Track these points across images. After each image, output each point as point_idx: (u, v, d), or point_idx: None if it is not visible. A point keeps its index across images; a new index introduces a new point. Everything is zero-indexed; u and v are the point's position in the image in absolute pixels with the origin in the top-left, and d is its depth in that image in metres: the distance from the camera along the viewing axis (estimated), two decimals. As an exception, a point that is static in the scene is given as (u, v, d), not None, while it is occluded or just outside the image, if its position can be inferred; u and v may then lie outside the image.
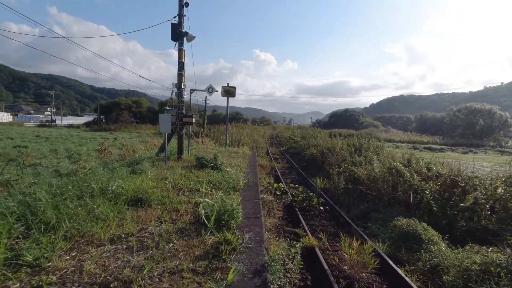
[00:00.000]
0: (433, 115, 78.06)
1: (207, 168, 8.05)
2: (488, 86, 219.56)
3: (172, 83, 9.18)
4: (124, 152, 10.96)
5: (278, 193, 9.78)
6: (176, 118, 9.22)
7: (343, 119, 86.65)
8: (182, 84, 9.07)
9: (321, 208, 8.13)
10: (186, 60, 8.77)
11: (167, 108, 9.25)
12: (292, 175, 14.12)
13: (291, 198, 8.99)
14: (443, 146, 40.38)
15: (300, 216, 7.42)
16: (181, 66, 9.04)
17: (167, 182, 6.14)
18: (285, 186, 10.58)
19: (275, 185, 10.19)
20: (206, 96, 55.48)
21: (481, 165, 24.37)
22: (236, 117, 77.03)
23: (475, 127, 48.70)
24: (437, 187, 7.09)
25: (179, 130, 9.33)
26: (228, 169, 8.32)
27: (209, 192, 5.85)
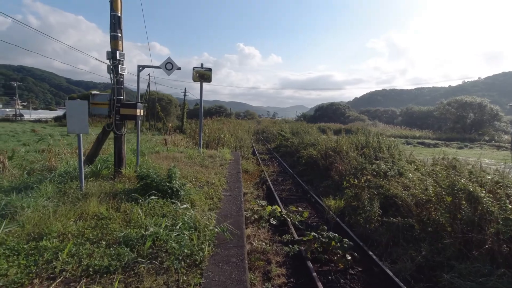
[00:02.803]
0: (419, 108, 77.16)
1: (155, 193, 4.65)
2: (466, 80, 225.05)
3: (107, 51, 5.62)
4: (43, 160, 7.32)
5: (274, 222, 6.50)
6: (110, 109, 5.69)
7: (329, 113, 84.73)
8: (117, 52, 5.53)
9: (348, 256, 4.91)
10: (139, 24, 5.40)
11: (94, 92, 5.67)
12: (288, 184, 10.86)
13: (295, 236, 5.73)
14: (436, 141, 38.41)
15: (318, 282, 4.17)
16: (115, 23, 5.48)
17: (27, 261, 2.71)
18: (282, 208, 7.29)
19: (268, 208, 6.88)
20: (185, 88, 51.36)
21: (485, 162, 22.22)
22: (219, 110, 73.20)
23: (466, 120, 47.28)
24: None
25: (116, 128, 5.79)
26: (192, 195, 4.93)
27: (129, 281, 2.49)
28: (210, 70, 10.81)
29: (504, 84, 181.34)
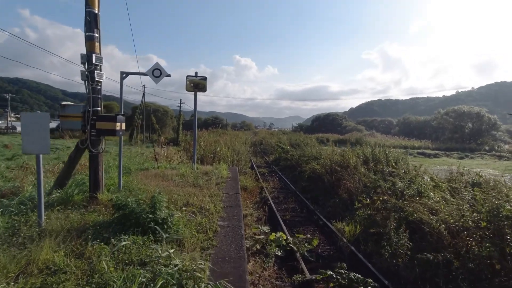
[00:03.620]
0: (416, 118, 77.02)
1: (135, 228, 3.71)
2: (460, 90, 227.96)
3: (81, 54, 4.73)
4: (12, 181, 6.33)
5: (279, 252, 5.53)
6: (84, 123, 4.76)
7: (326, 123, 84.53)
8: (94, 55, 4.65)
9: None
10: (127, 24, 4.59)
11: (65, 103, 4.75)
12: (290, 202, 9.89)
13: (306, 273, 4.76)
14: (436, 151, 37.83)
15: None
16: (91, 21, 4.62)
17: None
18: (287, 235, 6.33)
19: (272, 236, 5.93)
20: (180, 99, 50.61)
21: (489, 173, 21.48)
22: (215, 122, 72.50)
23: (464, 130, 46.88)
24: None
25: (91, 145, 4.86)
26: (181, 230, 3.96)
27: None
28: (205, 79, 9.98)
29: (498, 94, 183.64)
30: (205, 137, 22.37)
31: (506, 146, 40.46)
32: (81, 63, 4.70)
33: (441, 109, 56.02)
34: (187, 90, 9.80)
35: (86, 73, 4.67)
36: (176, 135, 42.31)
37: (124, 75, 5.66)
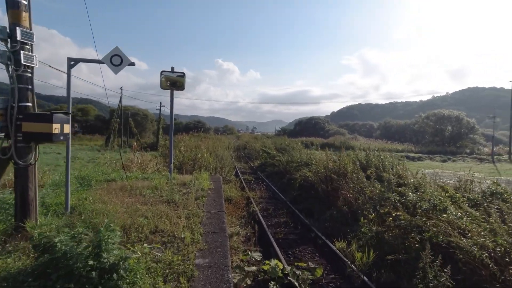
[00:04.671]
0: (397, 122, 78.35)
1: (68, 280, 2.43)
2: (435, 95, 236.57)
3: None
4: None
5: (276, 289, 4.33)
6: (6, 123, 3.40)
7: (308, 127, 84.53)
8: (19, 29, 3.32)
9: None
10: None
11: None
12: (282, 216, 8.71)
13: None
14: (420, 155, 37.97)
15: None
16: (14, -18, 3.29)
17: None
18: (284, 263, 5.14)
19: (266, 265, 4.72)
20: (160, 102, 48.61)
21: (475, 176, 21.27)
22: (197, 126, 70.69)
23: (445, 133, 47.61)
24: None
25: (17, 154, 3.49)
26: (140, 278, 2.70)
27: None
28: (183, 75, 8.70)
29: (471, 99, 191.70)
30: (186, 141, 20.89)
31: (486, 149, 41.24)
32: (1, 40, 3.33)
33: (422, 113, 56.96)
34: (163, 87, 8.48)
35: (8, 53, 3.32)
36: (156, 140, 40.39)
37: (73, 62, 4.32)
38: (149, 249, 3.30)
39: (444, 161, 33.76)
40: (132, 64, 4.58)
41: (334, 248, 5.94)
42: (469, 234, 4.57)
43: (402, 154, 38.49)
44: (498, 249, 3.97)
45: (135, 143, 14.95)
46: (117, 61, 4.41)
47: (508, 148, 38.72)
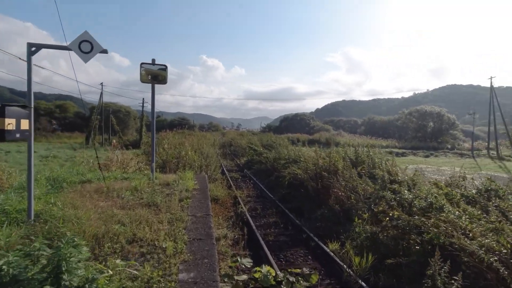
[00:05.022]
0: (381, 118, 79.63)
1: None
2: (417, 92, 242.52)
3: None
4: None
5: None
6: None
7: (294, 123, 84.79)
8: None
9: None
10: None
11: None
12: (271, 215, 8.35)
13: None
14: (403, 150, 38.62)
15: None
16: None
17: None
18: (276, 269, 4.76)
19: (257, 273, 4.34)
20: (143, 98, 47.26)
21: (456, 171, 21.69)
22: (182, 122, 69.43)
23: (427, 129, 48.64)
24: None
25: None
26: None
27: None
28: (164, 68, 8.16)
29: (450, 96, 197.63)
30: (169, 139, 20.19)
31: (466, 145, 42.40)
32: None
33: (405, 109, 57.98)
34: (143, 81, 7.91)
35: None
36: (139, 137, 39.20)
37: (34, 48, 3.74)
38: (123, 265, 2.83)
39: (427, 156, 34.43)
40: (105, 51, 4.04)
41: (328, 250, 5.61)
42: (470, 235, 4.34)
43: (386, 149, 39.11)
44: (504, 250, 3.74)
45: (115, 140, 14.20)
46: (86, 47, 3.86)
47: (486, 144, 39.92)
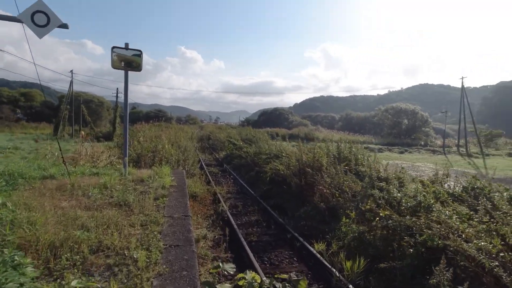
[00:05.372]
0: (357, 114, 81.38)
1: None
2: (391, 90, 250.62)
3: None
4: None
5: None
6: None
7: (273, 118, 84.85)
8: None
9: None
10: None
11: None
12: (253, 213, 7.97)
13: None
14: (380, 146, 39.56)
15: None
16: None
17: None
18: (261, 275, 4.39)
19: (242, 280, 3.92)
20: (117, 88, 45.13)
21: (429, 167, 22.40)
22: (158, 115, 67.38)
23: (401, 126, 50.10)
24: None
25: None
26: None
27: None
28: (139, 54, 7.50)
29: (422, 95, 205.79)
30: (145, 131, 19.27)
31: (438, 142, 44.08)
32: None
33: (381, 106, 59.38)
34: (114, 67, 7.21)
35: None
36: (112, 129, 37.44)
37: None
38: (82, 283, 2.32)
39: (401, 152, 35.38)
40: (65, 26, 3.41)
41: (315, 252, 5.30)
42: (463, 236, 4.17)
43: (364, 145, 39.89)
44: (501, 254, 3.56)
45: (83, 132, 13.12)
46: (41, 20, 3.21)
47: (456, 141, 41.68)
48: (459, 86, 36.70)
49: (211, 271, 4.32)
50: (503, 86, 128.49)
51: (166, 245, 3.40)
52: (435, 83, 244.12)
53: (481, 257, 3.42)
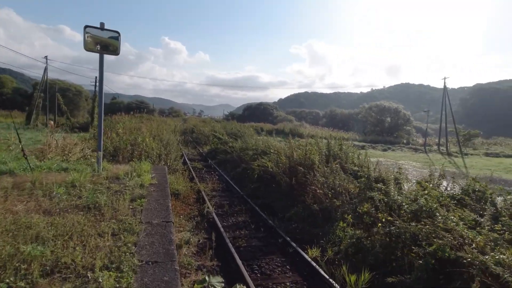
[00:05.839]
0: (341, 111, 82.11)
1: None
2: (374, 88, 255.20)
3: None
4: None
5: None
6: None
7: (257, 113, 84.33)
8: None
9: None
10: None
11: None
12: (240, 214, 7.41)
13: None
14: (363, 143, 39.85)
15: None
16: None
17: None
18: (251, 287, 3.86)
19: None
20: (96, 77, 43.08)
21: (412, 165, 22.63)
22: (140, 106, 65.22)
23: (384, 124, 50.82)
24: None
25: None
26: None
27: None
28: (116, 36, 6.74)
29: (403, 93, 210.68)
30: (125, 122, 18.23)
31: (419, 140, 44.93)
32: None
33: (365, 103, 59.99)
34: (88, 49, 6.43)
35: None
36: (90, 119, 35.74)
37: None
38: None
39: (385, 150, 35.77)
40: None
41: (310, 260, 4.83)
42: (474, 245, 3.80)
43: (349, 142, 40.04)
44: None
45: (52, 122, 11.94)
46: None
47: (436, 140, 42.63)
48: (439, 86, 37.42)
49: (195, 286, 3.75)
50: (479, 88, 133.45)
51: (141, 261, 2.80)
52: (416, 82, 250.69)
53: (504, 273, 3.04)
